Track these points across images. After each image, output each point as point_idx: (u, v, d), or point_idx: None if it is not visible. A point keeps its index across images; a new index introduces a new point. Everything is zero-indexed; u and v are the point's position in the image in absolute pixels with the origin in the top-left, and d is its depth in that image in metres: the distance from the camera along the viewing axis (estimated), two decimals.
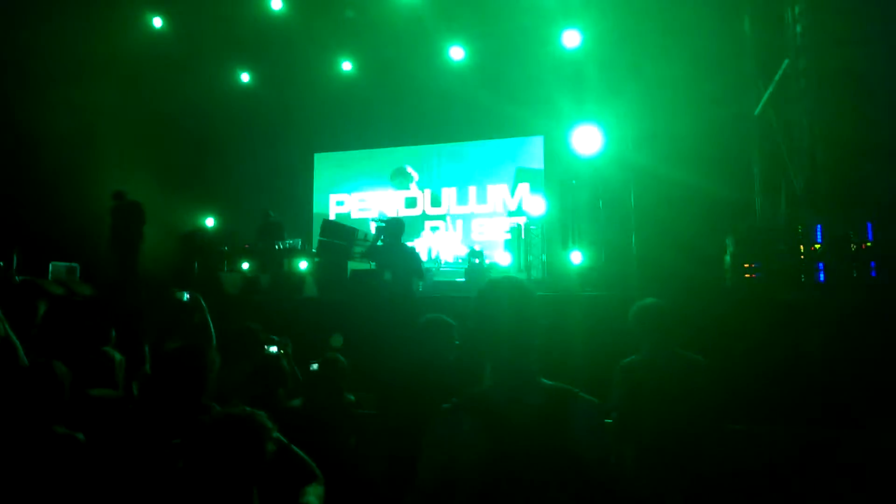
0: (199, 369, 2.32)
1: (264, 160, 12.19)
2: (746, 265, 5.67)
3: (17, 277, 8.80)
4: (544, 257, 9.44)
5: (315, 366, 3.36)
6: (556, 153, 10.11)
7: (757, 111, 7.01)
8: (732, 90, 7.13)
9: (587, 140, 7.34)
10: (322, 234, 9.19)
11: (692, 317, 3.15)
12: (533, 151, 11.65)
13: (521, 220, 10.35)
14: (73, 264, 9.27)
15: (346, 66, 11.60)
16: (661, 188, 6.84)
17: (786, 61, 6.30)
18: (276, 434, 1.73)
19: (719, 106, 7.00)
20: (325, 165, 13.05)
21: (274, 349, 3.74)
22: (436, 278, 9.98)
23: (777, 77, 6.53)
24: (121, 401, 2.90)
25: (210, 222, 10.77)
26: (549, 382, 1.66)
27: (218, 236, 10.11)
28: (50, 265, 9.11)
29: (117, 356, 3.15)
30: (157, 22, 10.54)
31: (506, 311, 1.65)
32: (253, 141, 12.08)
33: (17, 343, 2.53)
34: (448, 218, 12.20)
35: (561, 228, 8.68)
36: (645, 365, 3.00)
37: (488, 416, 1.55)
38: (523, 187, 11.70)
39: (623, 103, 7.26)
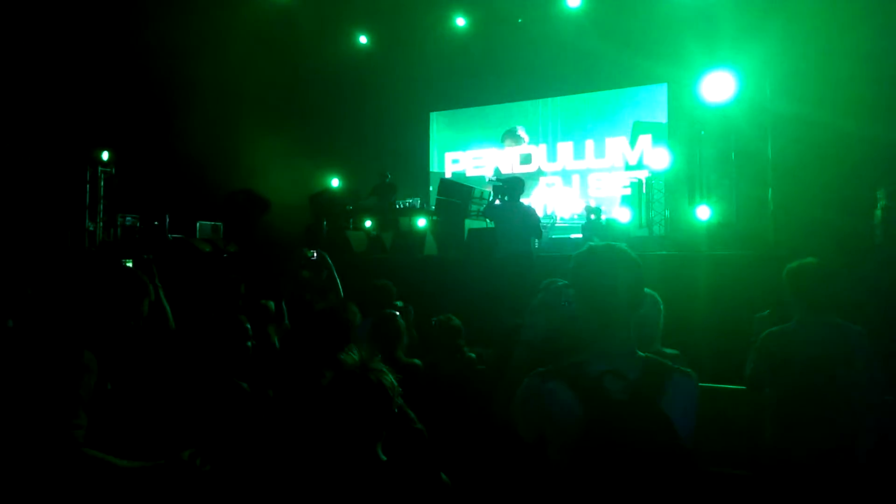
0: (342, 327, 2.51)
1: (383, 121, 12.49)
2: None
3: (169, 235, 9.78)
4: (667, 213, 9.02)
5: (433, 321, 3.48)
6: (682, 103, 9.50)
7: None
8: (893, 19, 6.28)
9: (718, 87, 6.84)
10: (439, 192, 9.34)
11: (840, 279, 2.88)
12: (654, 102, 11.04)
13: (643, 175, 9.92)
14: (218, 223, 10.12)
15: (460, 21, 11.51)
16: (803, 136, 6.23)
17: None
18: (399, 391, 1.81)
19: (877, 39, 6.20)
20: (441, 124, 13.15)
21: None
22: (552, 235, 9.87)
23: None
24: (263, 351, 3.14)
25: (335, 183, 11.26)
26: (645, 355, 1.62)
27: (342, 196, 10.57)
28: (197, 224, 10.00)
29: (271, 305, 3.42)
30: None
31: (603, 282, 1.61)
32: (372, 102, 12.39)
33: (168, 307, 2.77)
34: (563, 174, 11.93)
35: (687, 182, 8.21)
36: (796, 334, 2.75)
37: (583, 388, 1.54)
38: (644, 139, 11.14)
39: (760, 44, 6.63)
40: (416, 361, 3.33)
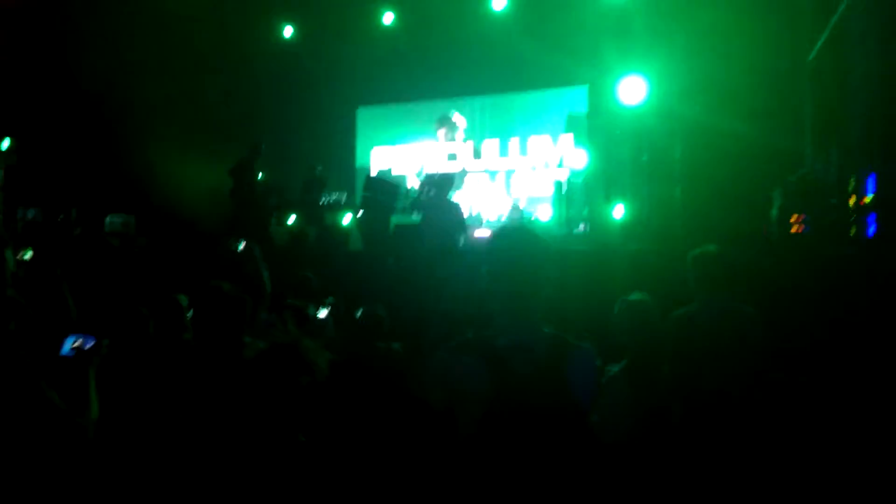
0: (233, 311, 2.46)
1: (308, 115, 12.30)
2: (793, 219, 5.55)
3: (76, 230, 9.27)
4: (585, 212, 9.37)
5: (358, 314, 3.52)
6: (601, 105, 9.90)
7: (811, 56, 6.71)
8: (785, 34, 6.82)
9: (632, 91, 7.19)
10: (365, 188, 9.31)
11: (737, 267, 3.14)
12: (577, 103, 11.38)
13: (563, 174, 10.25)
14: (130, 217, 9.66)
15: (388, 17, 11.51)
16: (708, 139, 6.67)
17: (845, 1, 5.99)
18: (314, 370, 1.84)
19: (770, 52, 6.71)
20: (368, 119, 13.07)
21: (324, 313, 3.91)
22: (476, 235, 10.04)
23: (834, 20, 6.22)
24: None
25: (258, 175, 11.00)
26: (550, 331, 1.74)
27: (267, 189, 10.35)
28: (106, 218, 9.52)
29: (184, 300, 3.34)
30: None
31: (513, 260, 1.73)
32: (297, 96, 12.19)
33: (70, 299, 2.65)
34: (488, 173, 12.13)
35: (604, 182, 8.58)
36: (698, 317, 3.00)
37: (490, 361, 1.64)
38: (566, 139, 11.42)
39: (670, 52, 7.04)
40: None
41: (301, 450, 1.72)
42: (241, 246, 3.91)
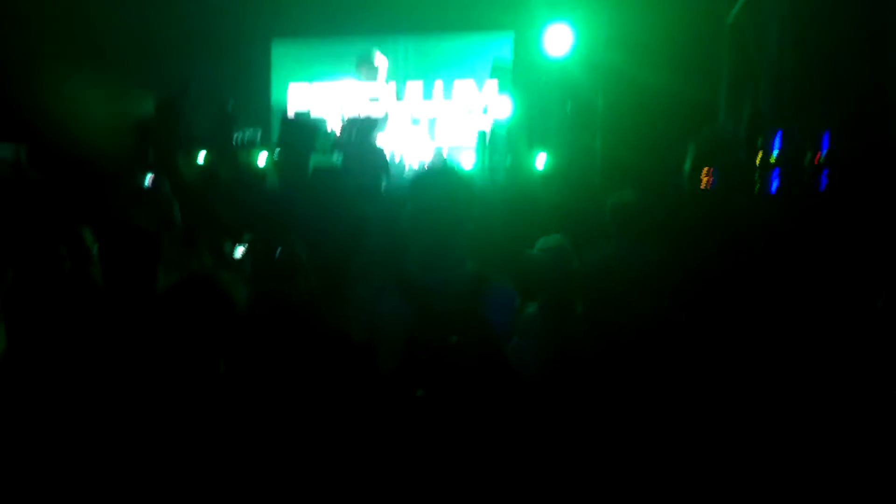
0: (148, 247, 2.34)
1: (219, 46, 11.53)
2: (703, 173, 5.80)
3: None
4: (508, 161, 9.44)
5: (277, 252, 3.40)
6: (526, 52, 9.87)
7: (730, 19, 6.93)
8: None
9: (559, 39, 7.19)
10: (282, 128, 8.93)
11: (651, 213, 3.28)
12: (502, 50, 11.30)
13: (487, 123, 10.23)
14: (21, 145, 8.83)
15: None
16: (630, 92, 6.81)
17: None
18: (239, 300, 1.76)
19: (692, 10, 6.88)
20: (284, 54, 12.42)
21: (241, 251, 3.75)
22: (399, 181, 9.91)
23: None
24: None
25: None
26: (472, 270, 1.76)
27: (173, 125, 9.72)
28: None
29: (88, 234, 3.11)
30: None
31: (436, 199, 1.71)
32: (207, 24, 11.38)
33: None
34: (411, 117, 11.92)
35: (527, 131, 8.64)
36: (612, 260, 3.13)
37: (411, 296, 1.64)
38: (490, 85, 11.33)
39: (596, 1, 7.07)
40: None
41: (222, 381, 1.64)
42: (149, 180, 3.68)
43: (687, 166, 6.39)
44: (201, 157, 9.08)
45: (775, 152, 5.28)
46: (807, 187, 5.43)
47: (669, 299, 3.12)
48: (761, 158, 5.38)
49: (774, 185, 5.26)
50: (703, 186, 6.13)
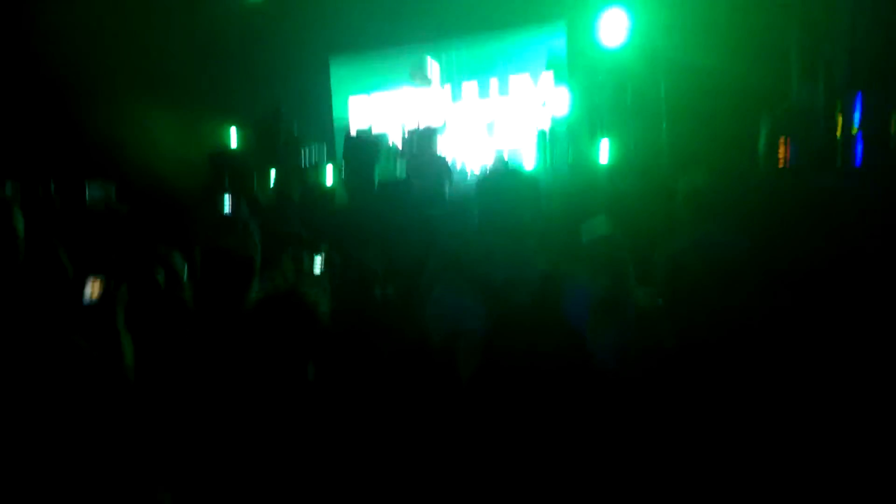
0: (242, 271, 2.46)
1: (278, 69, 11.96)
2: (781, 149, 5.55)
3: (56, 202, 9.02)
4: (570, 157, 9.32)
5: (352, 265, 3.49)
6: (581, 42, 9.68)
7: None
8: None
9: (614, 27, 7.06)
10: (346, 147, 9.17)
11: (729, 202, 3.15)
12: (555, 40, 11.09)
13: (546, 122, 10.14)
14: (110, 185, 9.45)
15: None
16: (693, 76, 6.60)
17: None
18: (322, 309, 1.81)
19: None
20: (341, 69, 12.72)
21: (319, 265, 3.87)
22: (462, 185, 9.96)
23: None
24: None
25: (234, 136, 10.77)
26: (543, 268, 1.75)
27: (245, 153, 10.16)
28: (87, 189, 9.29)
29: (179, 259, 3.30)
30: None
31: (501, 201, 1.71)
32: (267, 51, 11.82)
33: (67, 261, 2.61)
34: (470, 119, 11.91)
35: (588, 125, 8.51)
36: (690, 251, 3.02)
37: (487, 295, 1.64)
38: (547, 77, 11.13)
39: None
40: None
41: (310, 389, 1.71)
42: (228, 204, 3.86)
43: (762, 143, 6.14)
44: (272, 178, 9.43)
45: (857, 120, 4.98)
46: (894, 156, 5.09)
47: (761, 291, 2.98)
48: (842, 128, 5.08)
49: (858, 155, 4.96)
50: (781, 164, 5.87)
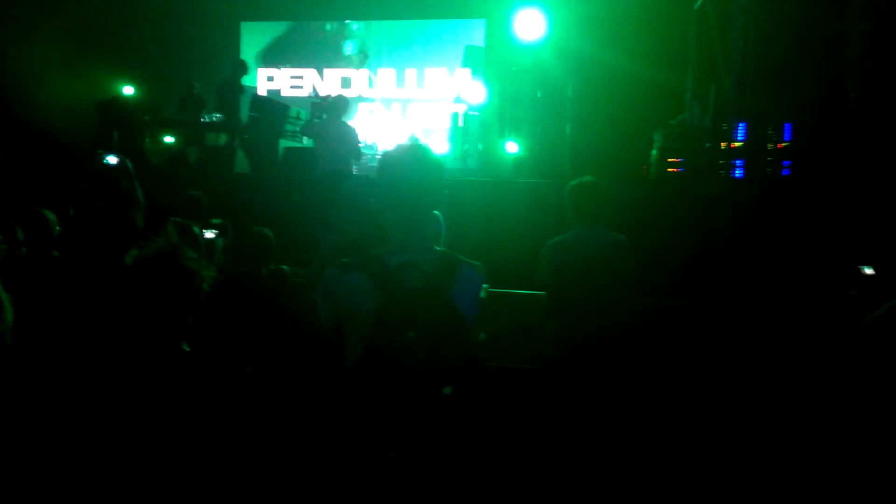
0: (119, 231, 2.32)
1: (187, 27, 11.28)
2: (671, 160, 5.92)
3: None
4: (480, 146, 9.45)
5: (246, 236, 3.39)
6: (498, 39, 9.85)
7: (697, 5, 7.02)
8: None
9: (530, 25, 7.19)
10: (251, 109, 8.79)
11: (611, 198, 3.31)
12: (474, 37, 11.28)
13: (461, 108, 10.21)
14: None
15: None
16: (599, 79, 6.87)
17: None
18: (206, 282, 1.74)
19: None
20: (253, 37, 12.21)
21: (210, 234, 3.71)
22: (371, 163, 9.87)
23: None
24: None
25: (129, 90, 10.04)
26: (441, 249, 1.76)
27: (139, 106, 9.49)
28: None
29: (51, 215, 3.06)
30: None
31: (405, 177, 1.70)
32: (176, 6, 11.12)
33: None
34: (384, 101, 11.84)
35: (499, 117, 8.66)
36: (573, 242, 3.16)
37: (381, 277, 1.63)
38: (463, 72, 11.34)
39: None
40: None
41: (184, 360, 1.64)
42: (112, 160, 3.60)
43: (654, 154, 6.52)
44: (168, 139, 8.89)
45: (739, 140, 5.42)
46: (770, 173, 5.58)
47: (630, 281, 3.18)
48: (726, 146, 5.51)
49: (739, 171, 5.40)
50: (670, 171, 6.26)
